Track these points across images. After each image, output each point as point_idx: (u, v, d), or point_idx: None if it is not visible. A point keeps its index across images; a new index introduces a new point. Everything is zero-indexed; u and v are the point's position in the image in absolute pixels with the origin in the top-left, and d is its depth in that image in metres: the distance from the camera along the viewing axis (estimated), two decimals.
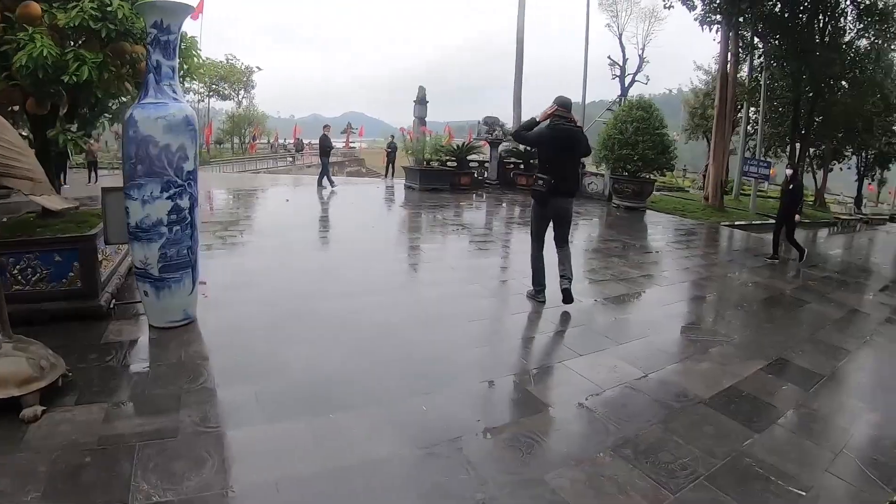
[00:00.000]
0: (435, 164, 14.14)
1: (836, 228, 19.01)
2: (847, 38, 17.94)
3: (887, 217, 31.95)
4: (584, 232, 9.88)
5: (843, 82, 18.72)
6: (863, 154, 32.46)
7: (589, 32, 20.17)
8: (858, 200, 36.03)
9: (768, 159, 18.98)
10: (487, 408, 2.94)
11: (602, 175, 14.22)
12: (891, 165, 36.95)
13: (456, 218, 9.91)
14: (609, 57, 33.24)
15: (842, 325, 5.49)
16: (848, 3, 16.52)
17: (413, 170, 13.66)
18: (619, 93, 32.64)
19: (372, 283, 5.01)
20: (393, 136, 19.66)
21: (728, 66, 15.80)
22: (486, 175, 15.29)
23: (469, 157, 14.81)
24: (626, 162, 12.95)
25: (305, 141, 35.15)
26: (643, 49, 35.93)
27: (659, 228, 11.10)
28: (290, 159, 33.08)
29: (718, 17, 15.16)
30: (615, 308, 5.04)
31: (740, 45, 16.51)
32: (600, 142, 13.55)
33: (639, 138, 12.78)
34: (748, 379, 3.59)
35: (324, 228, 8.39)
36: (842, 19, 17.35)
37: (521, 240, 7.66)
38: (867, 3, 15.99)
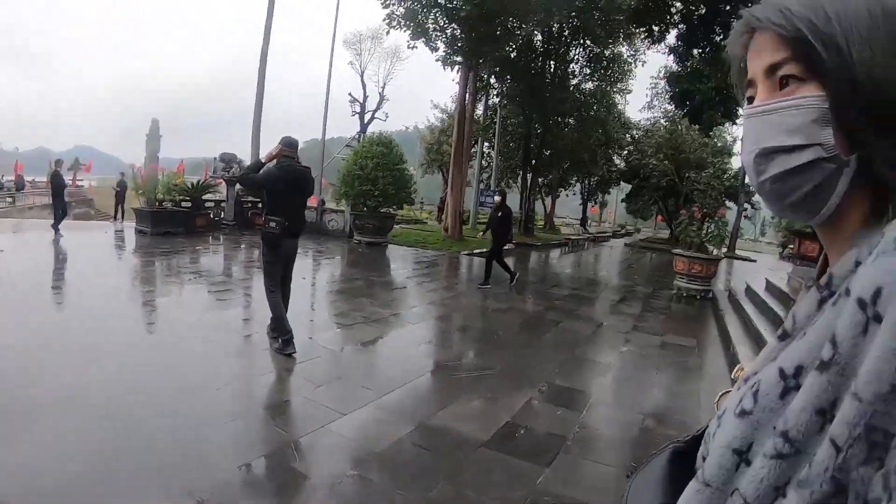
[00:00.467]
0: (168, 204, 13.14)
1: (566, 248, 23.06)
2: (575, 81, 22.16)
3: (610, 234, 39.81)
4: (328, 271, 10.33)
5: (570, 119, 23.12)
6: (586, 181, 40.05)
7: (332, 70, 21.21)
8: (584, 221, 44.55)
9: (496, 189, 22.07)
10: (248, 501, 2.61)
11: (342, 212, 14.96)
12: (611, 190, 46.81)
13: (192, 265, 9.53)
14: (350, 94, 35.43)
15: (594, 339, 6.46)
16: (579, 51, 20.33)
17: (144, 211, 12.52)
18: (358, 129, 34.66)
19: (98, 352, 4.37)
20: (123, 174, 17.64)
21: (466, 103, 18.07)
22: (223, 215, 14.95)
23: (205, 197, 14.28)
24: (367, 198, 13.88)
25: (28, 178, 31.37)
26: (383, 87, 39.00)
27: (402, 262, 12.24)
28: (10, 199, 27.75)
29: (459, 58, 17.17)
30: (370, 353, 5.25)
31: (478, 84, 19.05)
32: (341, 178, 14.31)
33: (379, 174, 13.87)
34: (521, 411, 3.83)
35: (42, 285, 6.98)
36: (572, 64, 21.39)
37: (261, 286, 7.62)
38: (596, 52, 19.85)
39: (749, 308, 8.48)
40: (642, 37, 14.91)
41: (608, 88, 23.22)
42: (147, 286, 7.65)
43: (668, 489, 0.63)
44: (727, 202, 36.79)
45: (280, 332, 4.67)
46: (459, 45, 16.50)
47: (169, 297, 7.06)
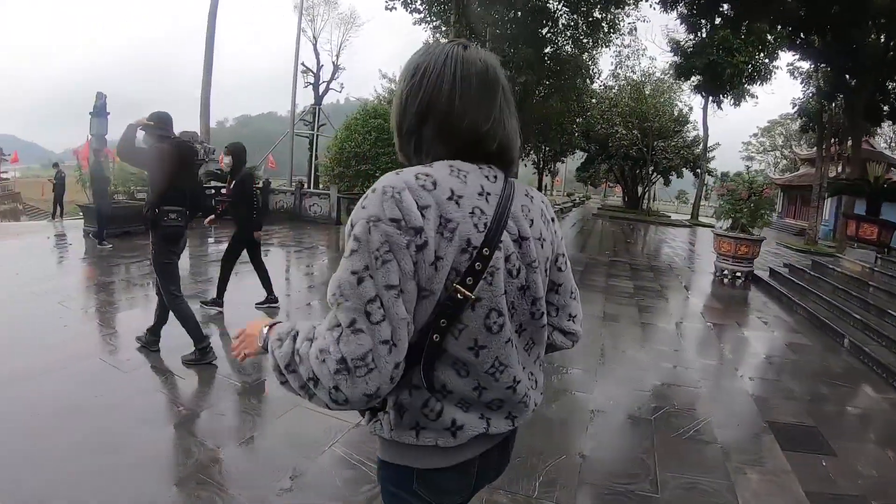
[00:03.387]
0: (121, 197, 11.54)
1: None
2: (568, 48, 21.66)
3: (571, 204, 40.60)
4: (310, 266, 9.46)
5: (541, 87, 22.80)
6: (543, 149, 40.53)
7: (299, 42, 19.74)
8: (541, 190, 45.12)
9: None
10: None
11: (327, 195, 13.91)
12: (563, 159, 47.81)
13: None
14: (303, 63, 33.79)
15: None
16: (574, 16, 19.68)
17: (93, 208, 10.87)
18: (312, 102, 33.80)
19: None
20: (58, 166, 15.62)
21: None
22: None
23: None
24: (366, 179, 12.86)
25: None
26: (338, 55, 37.74)
27: None
28: None
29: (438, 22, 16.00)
30: None
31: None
32: (332, 157, 13.23)
33: (380, 150, 12.84)
34: None
35: None
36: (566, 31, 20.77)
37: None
38: (594, 17, 19.28)
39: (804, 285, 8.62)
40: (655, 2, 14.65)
41: (593, 53, 22.92)
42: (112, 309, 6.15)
43: None
44: (685, 169, 38.74)
45: (198, 339, 4.28)
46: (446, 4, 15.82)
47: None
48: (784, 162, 50.63)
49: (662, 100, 34.40)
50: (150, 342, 4.46)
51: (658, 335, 6.60)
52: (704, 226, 31.82)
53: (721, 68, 11.21)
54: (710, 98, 13.30)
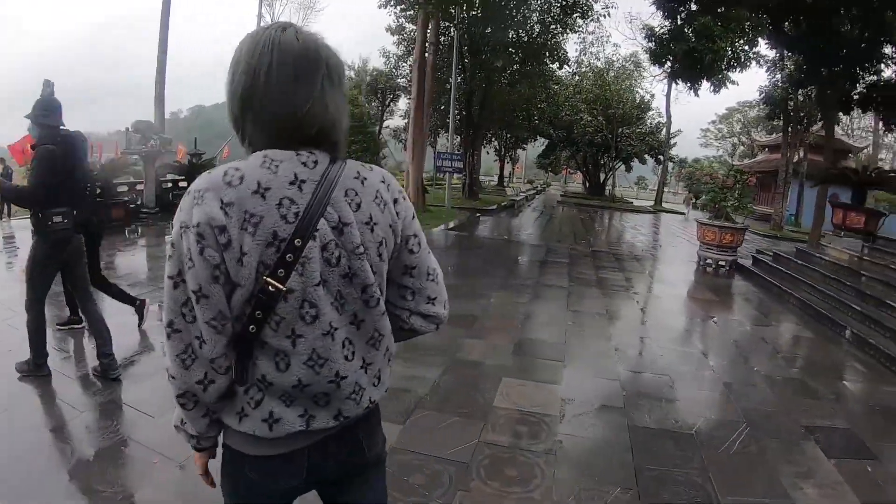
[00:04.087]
0: None
1: (511, 210, 23.02)
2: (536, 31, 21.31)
3: (535, 192, 40.95)
4: None
5: (507, 74, 22.61)
6: (504, 136, 40.59)
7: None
8: (502, 179, 45.52)
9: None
10: None
11: None
12: (525, 145, 47.99)
13: (128, 273, 7.55)
14: None
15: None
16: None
17: None
18: None
19: None
20: (3, 160, 14.40)
21: (427, 54, 16.82)
22: (141, 202, 12.76)
23: (118, 181, 11.96)
24: None
25: None
26: None
27: None
28: None
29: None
30: None
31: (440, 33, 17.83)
32: None
33: (350, 139, 12.32)
34: None
35: None
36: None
37: None
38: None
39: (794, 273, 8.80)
40: None
41: (559, 40, 22.78)
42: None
43: None
44: (648, 156, 39.60)
45: (39, 353, 3.89)
46: None
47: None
48: (742, 148, 52.36)
49: (624, 86, 34.95)
50: (106, 367, 3.98)
51: (663, 333, 6.56)
52: (668, 212, 32.70)
53: (702, 55, 11.32)
54: (687, 85, 13.43)
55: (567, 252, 12.16)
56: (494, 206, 21.82)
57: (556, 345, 5.53)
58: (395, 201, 1.18)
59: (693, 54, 11.67)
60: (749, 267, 10.77)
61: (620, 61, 34.66)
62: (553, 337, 5.79)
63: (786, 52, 14.96)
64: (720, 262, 10.99)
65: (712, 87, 14.01)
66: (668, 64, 13.58)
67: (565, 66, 23.89)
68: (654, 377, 4.96)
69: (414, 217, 1.25)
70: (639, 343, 6.05)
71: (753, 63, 13.57)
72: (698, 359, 5.61)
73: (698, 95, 16.72)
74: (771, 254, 11.05)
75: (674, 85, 33.24)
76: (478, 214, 18.88)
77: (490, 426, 3.65)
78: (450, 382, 4.31)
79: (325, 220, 1.04)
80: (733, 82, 14.93)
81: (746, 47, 12.93)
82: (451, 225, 14.73)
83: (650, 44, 13.95)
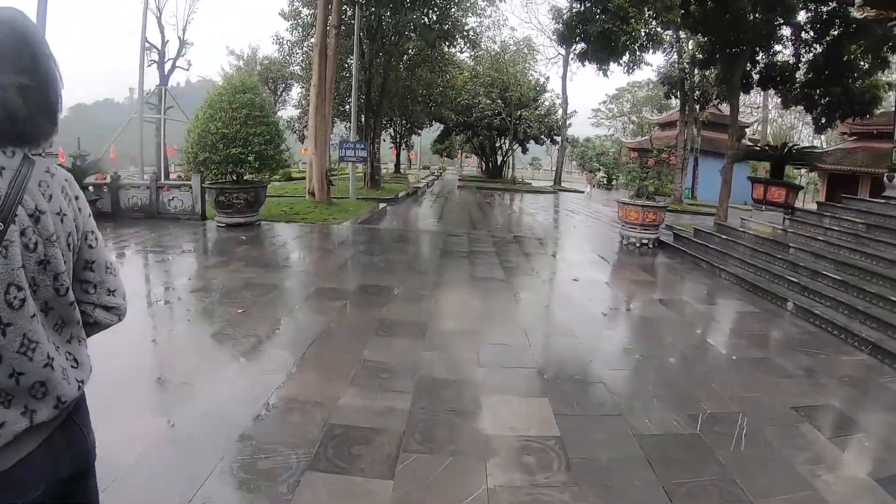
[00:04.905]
0: None
1: (419, 197, 22.79)
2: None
3: (434, 177, 41.03)
4: (181, 266, 8.09)
5: (407, 59, 22.09)
6: (400, 123, 40.11)
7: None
8: (398, 166, 45.46)
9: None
10: None
11: (189, 187, 12.16)
12: (419, 132, 47.85)
13: None
14: (147, 40, 30.77)
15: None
16: None
17: None
18: (158, 83, 32.31)
19: None
20: None
21: (329, 37, 15.88)
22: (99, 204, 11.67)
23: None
24: (238, 164, 11.32)
25: None
26: (184, 30, 37.52)
27: (305, 246, 10.36)
28: None
29: None
30: None
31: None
32: (192, 141, 11.46)
33: (252, 130, 11.33)
34: None
35: None
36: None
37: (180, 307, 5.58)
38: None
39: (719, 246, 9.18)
40: None
41: (459, 23, 22.54)
42: None
43: None
44: (545, 137, 40.95)
45: None
46: None
47: None
48: (632, 127, 55.57)
49: (519, 69, 35.69)
50: None
51: (625, 323, 6.48)
52: (568, 191, 34.04)
53: (616, 36, 11.51)
54: (597, 66, 13.66)
55: (490, 239, 11.95)
56: (398, 195, 21.38)
57: (521, 348, 5.19)
58: (77, 198, 1.28)
59: (609, 35, 11.84)
60: (671, 243, 11.16)
61: (515, 45, 35.30)
62: (514, 339, 5.43)
63: (689, 33, 15.79)
64: (643, 241, 11.29)
65: (626, 68, 14.41)
66: (579, 46, 13.71)
67: (465, 51, 23.98)
68: (634, 375, 4.80)
69: (90, 215, 1.33)
70: (607, 337, 5.89)
71: (651, 44, 14.13)
72: (669, 348, 5.52)
73: (608, 76, 17.41)
74: (692, 229, 11.51)
75: (570, 67, 34.54)
76: (384, 205, 18.31)
77: (493, 464, 3.20)
78: (427, 411, 3.78)
79: (23, 207, 1.10)
80: (647, 63, 15.67)
81: (659, 29, 13.37)
82: (361, 218, 14.06)
83: (558, 25, 14.04)
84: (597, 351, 5.29)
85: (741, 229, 9.55)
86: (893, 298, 5.75)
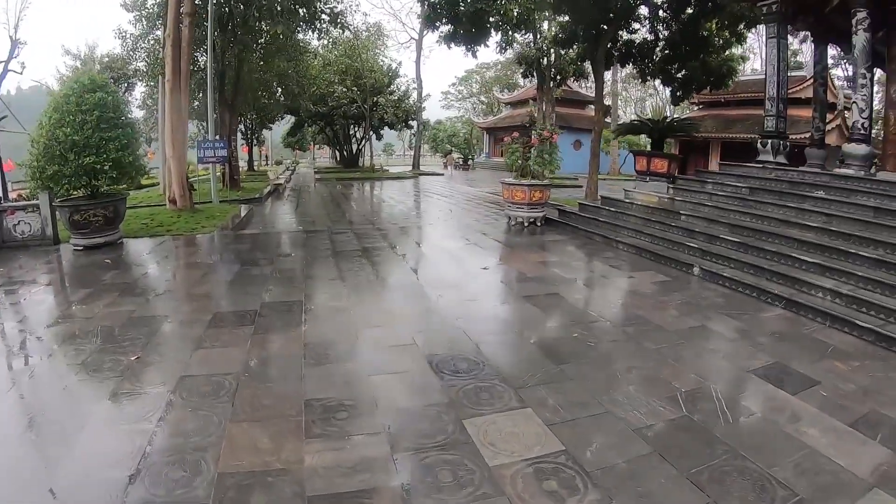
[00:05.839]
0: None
1: (282, 194, 21.68)
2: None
3: (291, 171, 39.44)
4: (36, 303, 6.82)
5: (260, 47, 20.64)
6: (250, 117, 37.74)
7: None
8: (251, 163, 43.23)
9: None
10: None
11: (36, 207, 10.31)
12: (271, 126, 45.55)
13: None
14: None
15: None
16: None
17: None
18: None
19: None
20: None
21: (183, 26, 14.14)
22: None
23: None
24: (93, 175, 9.73)
25: None
26: (16, 29, 33.69)
27: (186, 263, 9.32)
28: None
29: None
30: None
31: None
32: (38, 153, 9.68)
33: (107, 135, 9.74)
34: None
35: None
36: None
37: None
38: None
39: (610, 219, 9.67)
40: None
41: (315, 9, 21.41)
42: None
43: None
44: (400, 122, 41.07)
45: None
46: None
47: None
48: (482, 107, 57.32)
49: (371, 55, 35.25)
50: None
51: (541, 309, 6.48)
52: (427, 174, 34.57)
53: (488, 16, 11.61)
54: (467, 48, 13.74)
55: (371, 232, 11.56)
56: (262, 194, 20.11)
57: (471, 355, 4.93)
58: None
59: (481, 15, 11.93)
60: (557, 219, 11.55)
61: (367, 31, 34.71)
62: (463, 348, 5.16)
63: (551, 13, 16.51)
64: (531, 219, 11.57)
65: (499, 48, 14.65)
66: (445, 27, 13.69)
67: (324, 38, 23.08)
68: (598, 365, 4.78)
69: None
70: (548, 328, 5.84)
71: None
72: (611, 329, 5.59)
73: (476, 57, 17.63)
74: (576, 204, 12.03)
75: (423, 52, 34.74)
76: (250, 206, 17.04)
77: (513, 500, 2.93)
78: (412, 454, 3.33)
79: None
80: (518, 43, 15.99)
81: (531, 6, 13.73)
82: (232, 224, 12.91)
83: (423, 7, 13.89)
84: (545, 346, 5.22)
85: (628, 200, 10.14)
86: (794, 255, 6.38)
